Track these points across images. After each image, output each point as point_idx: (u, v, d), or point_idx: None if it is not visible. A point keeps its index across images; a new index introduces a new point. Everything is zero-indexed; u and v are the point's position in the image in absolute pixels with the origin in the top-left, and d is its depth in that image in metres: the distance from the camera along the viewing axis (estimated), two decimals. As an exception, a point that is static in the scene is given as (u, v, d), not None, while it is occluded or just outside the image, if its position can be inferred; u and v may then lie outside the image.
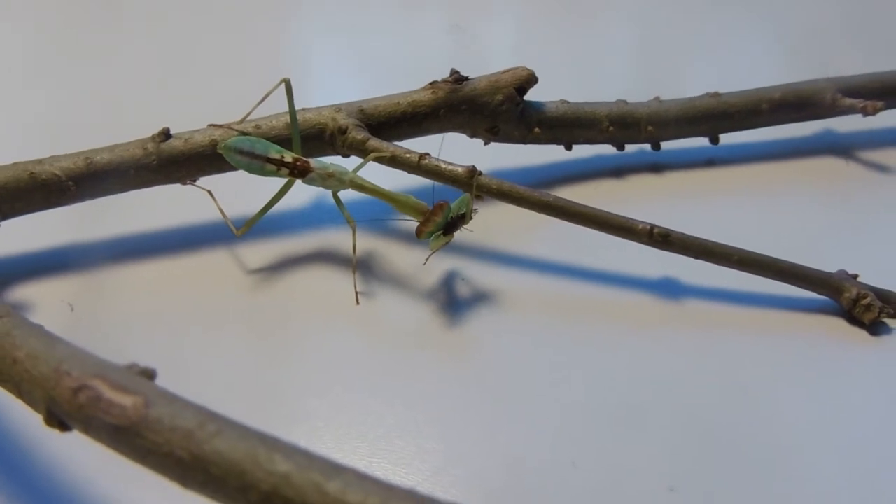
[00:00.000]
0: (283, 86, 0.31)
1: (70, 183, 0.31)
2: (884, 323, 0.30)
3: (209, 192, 0.33)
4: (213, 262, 0.32)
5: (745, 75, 0.40)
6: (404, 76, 0.35)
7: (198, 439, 0.17)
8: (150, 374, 0.19)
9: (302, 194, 0.35)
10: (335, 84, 0.46)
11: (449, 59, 0.37)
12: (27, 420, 0.24)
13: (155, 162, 0.32)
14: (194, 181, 0.33)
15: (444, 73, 0.34)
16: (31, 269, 0.32)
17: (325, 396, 0.27)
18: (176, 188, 0.33)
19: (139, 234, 0.34)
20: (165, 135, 0.32)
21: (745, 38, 0.49)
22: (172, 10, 0.49)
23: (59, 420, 0.19)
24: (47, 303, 0.30)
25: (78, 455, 0.24)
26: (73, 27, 0.48)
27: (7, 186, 0.30)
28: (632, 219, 0.30)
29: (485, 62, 0.35)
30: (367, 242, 0.33)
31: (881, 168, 0.38)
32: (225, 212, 0.32)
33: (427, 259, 0.30)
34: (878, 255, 0.33)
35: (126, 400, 0.17)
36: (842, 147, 0.39)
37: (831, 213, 0.36)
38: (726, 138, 0.38)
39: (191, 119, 0.33)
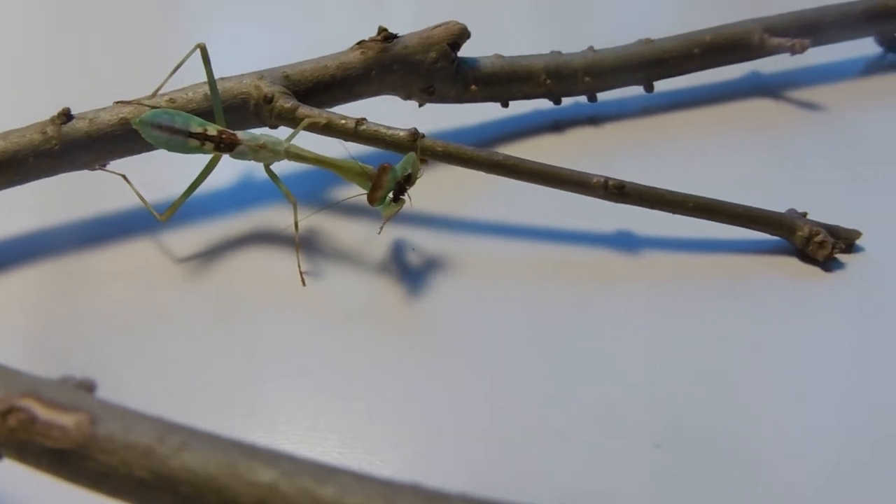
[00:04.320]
0: (197, 52, 0.28)
1: (-40, 177, 0.27)
2: (836, 259, 0.30)
3: (123, 177, 0.30)
4: (136, 254, 0.29)
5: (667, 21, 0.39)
6: (316, 45, 0.32)
7: (160, 455, 0.14)
8: (89, 386, 0.16)
9: (228, 171, 0.32)
10: (244, 51, 0.42)
11: (362, 24, 0.34)
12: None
13: (57, 147, 0.28)
14: (104, 166, 0.30)
15: (356, 39, 0.32)
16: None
17: (283, 389, 0.25)
18: (83, 175, 0.29)
19: (48, 229, 0.30)
20: (66, 116, 0.28)
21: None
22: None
23: (-15, 450, 0.16)
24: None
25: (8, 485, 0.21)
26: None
27: None
28: (585, 173, 0.29)
29: (401, 27, 0.33)
30: (307, 218, 0.31)
31: (809, 106, 0.39)
32: (144, 196, 0.29)
33: (381, 228, 0.28)
34: (816, 191, 0.33)
35: (67, 419, 0.15)
36: (770, 88, 0.40)
37: (766, 154, 0.36)
38: (658, 86, 0.37)
39: (93, 98, 0.29)
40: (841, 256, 0.30)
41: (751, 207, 0.29)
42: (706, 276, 0.29)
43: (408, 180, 0.27)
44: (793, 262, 0.30)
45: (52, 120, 0.28)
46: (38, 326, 0.27)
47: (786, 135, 0.37)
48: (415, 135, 0.29)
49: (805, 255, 0.30)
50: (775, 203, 0.30)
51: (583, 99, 0.37)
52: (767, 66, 0.40)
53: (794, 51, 0.37)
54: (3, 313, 0.27)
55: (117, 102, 0.29)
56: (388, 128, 0.29)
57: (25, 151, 0.28)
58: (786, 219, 0.30)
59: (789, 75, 0.40)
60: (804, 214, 0.30)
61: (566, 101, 0.36)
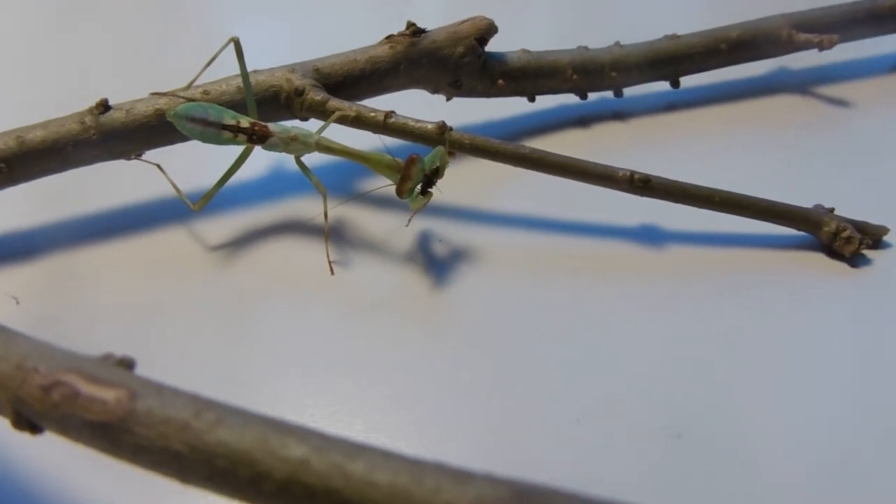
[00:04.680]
0: (231, 46, 0.29)
1: (2, 165, 0.28)
2: (863, 255, 0.30)
3: (158, 166, 0.30)
4: (170, 242, 0.30)
5: (692, 16, 0.39)
6: (344, 39, 0.33)
7: (196, 430, 0.15)
8: (128, 364, 0.17)
9: (259, 162, 0.33)
10: (276, 44, 0.43)
11: (390, 19, 0.35)
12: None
13: (95, 137, 0.29)
14: (140, 155, 0.30)
15: (386, 31, 0.32)
16: (-34, 262, 0.29)
17: (310, 374, 0.26)
18: (121, 164, 0.30)
19: (85, 216, 0.31)
20: (104, 106, 0.29)
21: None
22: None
23: (29, 422, 0.17)
24: (-12, 297, 0.28)
25: (52, 456, 0.22)
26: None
27: (-70, 173, 0.28)
28: (611, 166, 0.29)
29: (429, 22, 0.33)
30: (335, 209, 0.31)
31: (838, 103, 0.38)
32: (178, 186, 0.30)
33: (409, 221, 0.29)
34: (842, 187, 0.33)
35: (107, 394, 0.16)
36: (797, 84, 0.39)
37: (793, 150, 0.36)
38: (685, 82, 0.37)
39: (130, 89, 0.30)
40: (868, 252, 0.30)
41: (777, 202, 0.30)
42: (731, 271, 0.29)
43: (436, 173, 0.27)
44: (819, 258, 0.30)
45: (91, 110, 0.29)
46: (71, 311, 0.28)
47: (813, 132, 0.37)
48: (443, 128, 0.29)
49: (831, 251, 0.30)
50: (802, 199, 0.30)
51: (609, 94, 0.37)
52: (795, 62, 0.39)
53: (822, 47, 0.37)
54: (36, 298, 0.28)
55: (153, 94, 0.30)
56: (417, 121, 0.29)
57: (65, 140, 0.29)
58: (812, 214, 0.30)
59: (817, 72, 0.40)
60: (831, 210, 0.30)
61: (592, 97, 0.37)
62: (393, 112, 0.30)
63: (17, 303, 0.28)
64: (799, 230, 0.30)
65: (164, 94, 0.30)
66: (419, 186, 0.27)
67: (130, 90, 0.30)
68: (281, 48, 0.43)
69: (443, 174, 0.28)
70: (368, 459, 0.14)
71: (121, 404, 0.15)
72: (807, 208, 0.30)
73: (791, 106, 0.39)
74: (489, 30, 0.33)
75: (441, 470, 0.14)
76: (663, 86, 0.37)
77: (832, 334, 0.27)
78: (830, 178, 0.34)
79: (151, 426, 0.15)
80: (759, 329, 0.27)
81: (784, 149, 0.36)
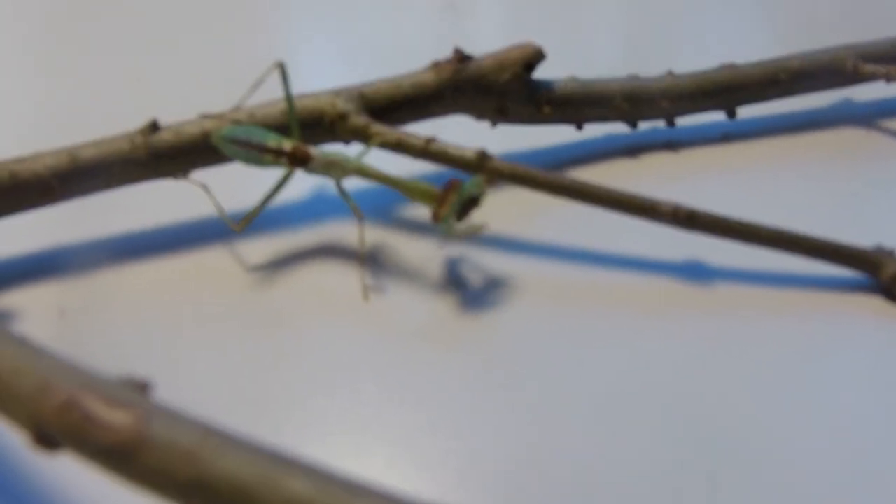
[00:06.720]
0: (277, 70, 0.29)
1: (54, 181, 0.29)
2: (926, 300, 0.28)
3: (203, 187, 0.31)
4: (211, 261, 0.31)
5: (755, 45, 0.38)
6: (397, 59, 0.33)
7: (200, 459, 0.15)
8: (145, 387, 0.17)
9: (302, 185, 0.33)
10: (327, 68, 0.44)
11: (443, 39, 0.35)
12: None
13: (143, 156, 0.30)
14: (187, 175, 0.31)
15: (437, 55, 0.32)
16: (16, 273, 0.30)
17: (338, 400, 0.25)
18: (168, 183, 0.31)
19: (131, 233, 0.32)
20: (154, 127, 0.30)
21: (751, 7, 0.47)
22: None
23: (47, 441, 0.17)
24: (35, 309, 0.29)
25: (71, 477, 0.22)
26: (51, 15, 0.46)
27: (-13, 187, 0.29)
28: (654, 199, 0.28)
29: (482, 42, 0.33)
30: (373, 234, 0.31)
31: (906, 137, 0.37)
32: (222, 206, 0.30)
33: (443, 246, 0.29)
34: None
35: (119, 417, 0.16)
36: (862, 116, 0.38)
37: (856, 186, 0.34)
38: (742, 112, 0.36)
39: (180, 110, 0.31)
40: (932, 299, 0.28)
41: (832, 241, 0.28)
42: (780, 313, 0.28)
43: (473, 202, 0.27)
44: (877, 302, 0.28)
45: (141, 130, 0.30)
46: (111, 326, 0.28)
47: (877, 166, 0.35)
48: (482, 155, 0.29)
49: (891, 295, 0.28)
50: (862, 238, 0.29)
51: (660, 123, 0.36)
52: (861, 94, 0.38)
53: (890, 79, 0.35)
54: (79, 312, 0.28)
55: (201, 115, 0.31)
56: (457, 147, 0.29)
57: (114, 159, 0.29)
58: (871, 254, 0.28)
59: (884, 104, 0.38)
60: (893, 251, 0.28)
61: (643, 125, 0.36)
62: (434, 138, 0.29)
63: (62, 316, 0.28)
64: (856, 271, 0.28)
65: (212, 116, 0.30)
66: (455, 214, 0.27)
67: (179, 111, 0.31)
68: (332, 67, 0.43)
69: (480, 204, 0.27)
70: (371, 501, 0.14)
71: (131, 429, 0.15)
72: (865, 248, 0.28)
73: (854, 139, 0.37)
74: (536, 56, 0.33)
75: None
76: (718, 115, 0.36)
77: (889, 386, 0.26)
78: (894, 217, 0.32)
79: (158, 453, 0.15)
80: (808, 376, 0.26)
81: (845, 184, 0.34)
